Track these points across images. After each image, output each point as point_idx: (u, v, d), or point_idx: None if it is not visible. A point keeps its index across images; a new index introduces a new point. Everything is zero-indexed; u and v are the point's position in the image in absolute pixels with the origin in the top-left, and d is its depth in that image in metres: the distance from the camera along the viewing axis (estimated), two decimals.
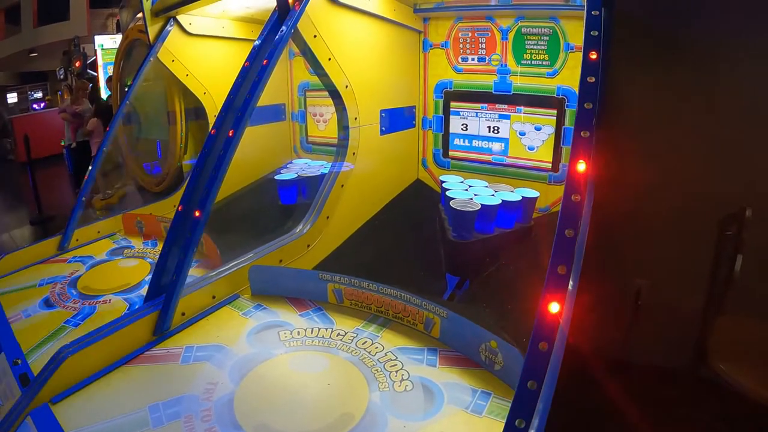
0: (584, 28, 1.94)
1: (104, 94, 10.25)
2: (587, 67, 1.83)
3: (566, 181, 1.64)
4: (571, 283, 1.50)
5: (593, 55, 1.85)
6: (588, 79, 1.79)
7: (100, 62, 12.23)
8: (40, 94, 19.13)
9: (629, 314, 2.77)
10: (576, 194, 1.59)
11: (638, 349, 2.72)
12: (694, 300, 2.51)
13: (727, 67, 2.49)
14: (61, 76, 15.04)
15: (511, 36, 3.35)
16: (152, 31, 4.05)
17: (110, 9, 17.12)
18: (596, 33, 1.92)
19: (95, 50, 12.58)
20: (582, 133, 1.69)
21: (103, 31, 16.40)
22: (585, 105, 1.74)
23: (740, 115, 2.49)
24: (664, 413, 2.59)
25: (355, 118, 3.13)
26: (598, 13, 1.98)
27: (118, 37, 9.73)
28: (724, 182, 2.55)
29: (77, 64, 13.16)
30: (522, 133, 3.42)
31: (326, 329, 2.26)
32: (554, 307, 1.43)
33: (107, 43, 12.36)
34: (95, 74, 12.24)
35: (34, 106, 18.06)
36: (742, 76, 2.48)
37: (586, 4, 2.02)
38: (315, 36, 2.80)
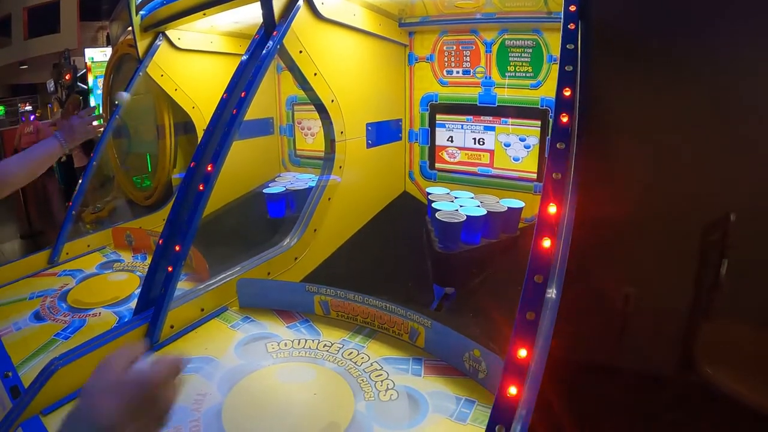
0: (560, 41, 1.98)
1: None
2: (563, 79, 1.88)
3: (543, 192, 1.68)
4: (554, 290, 1.53)
5: (569, 68, 1.89)
6: (564, 92, 1.84)
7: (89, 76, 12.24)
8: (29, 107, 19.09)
9: (615, 320, 2.81)
10: (552, 205, 1.63)
11: (625, 354, 2.75)
12: (681, 305, 2.54)
13: (714, 73, 2.53)
14: (51, 89, 15.04)
15: (495, 49, 3.40)
16: (141, 45, 4.09)
17: (100, 22, 17.14)
18: (572, 46, 1.96)
19: (85, 63, 12.59)
20: (558, 145, 1.74)
21: (94, 44, 16.42)
22: (561, 118, 1.79)
23: (727, 120, 2.54)
24: (651, 419, 2.62)
25: (342, 132, 3.17)
26: (574, 26, 2.02)
27: (109, 50, 9.74)
28: (710, 187, 2.59)
29: (67, 77, 13.15)
30: (507, 144, 3.46)
31: (313, 340, 2.29)
32: (532, 315, 1.47)
33: (98, 56, 12.37)
34: (85, 87, 12.24)
35: (24, 118, 18.03)
36: (728, 81, 2.52)
37: (562, 18, 2.06)
38: (301, 51, 2.84)
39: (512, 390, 1.37)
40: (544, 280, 1.51)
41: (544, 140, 3.28)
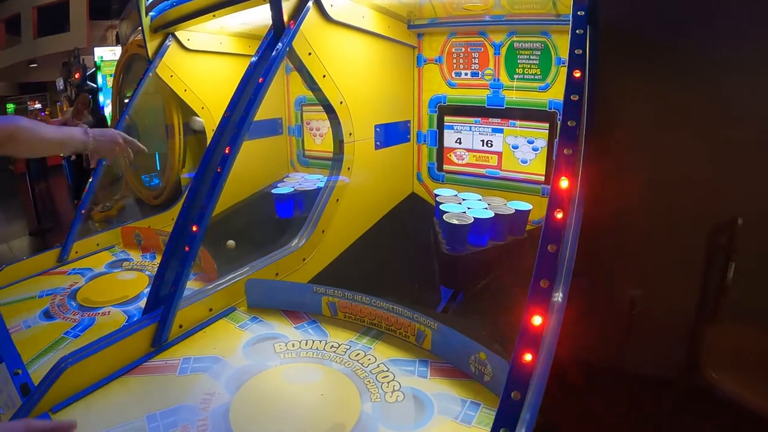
0: (569, 46, 1.99)
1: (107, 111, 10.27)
2: (571, 85, 1.88)
3: (549, 198, 1.69)
4: (560, 294, 1.54)
5: (577, 74, 1.90)
6: (571, 97, 1.84)
7: (99, 74, 12.26)
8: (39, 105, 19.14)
9: (621, 323, 2.81)
10: (559, 210, 1.64)
11: (630, 357, 2.76)
12: (687, 308, 2.54)
13: (720, 76, 2.53)
14: (61, 87, 15.08)
15: (503, 51, 3.40)
16: (151, 46, 4.11)
17: (110, 21, 17.18)
18: (580, 51, 1.97)
19: (95, 62, 12.62)
20: (565, 151, 1.74)
21: (103, 43, 16.46)
22: (568, 123, 1.79)
23: (734, 124, 2.54)
24: (656, 422, 2.63)
25: (350, 134, 3.18)
26: (582, 31, 2.03)
27: (118, 49, 9.77)
28: (716, 191, 2.59)
29: (77, 76, 13.18)
30: (515, 147, 3.46)
31: (320, 341, 2.30)
32: (537, 320, 1.47)
33: (107, 55, 12.39)
34: (95, 86, 12.26)
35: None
36: (735, 84, 2.52)
37: (570, 22, 2.07)
38: (310, 53, 2.85)
39: (516, 393, 1.38)
40: (550, 284, 1.52)
41: (552, 142, 3.28)
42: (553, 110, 3.25)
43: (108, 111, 10.11)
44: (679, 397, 2.52)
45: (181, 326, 2.35)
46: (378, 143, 3.45)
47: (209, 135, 4.24)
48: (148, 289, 2.71)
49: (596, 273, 2.24)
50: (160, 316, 2.27)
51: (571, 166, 1.73)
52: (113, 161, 4.38)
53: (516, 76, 3.39)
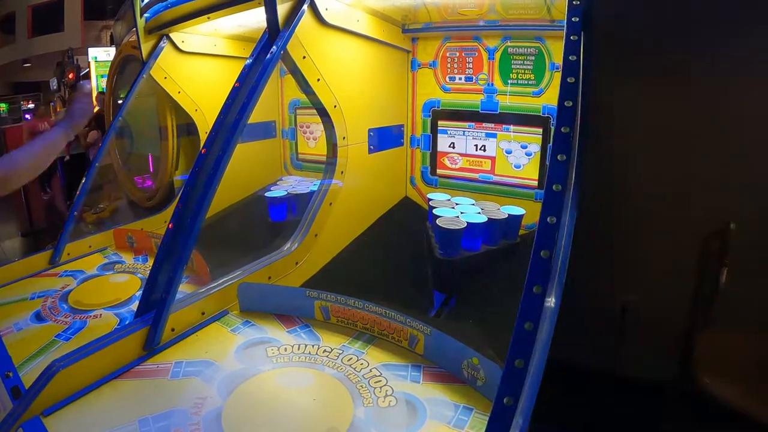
0: (563, 52, 1.99)
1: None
2: (565, 91, 1.89)
3: (542, 203, 1.69)
4: (552, 299, 1.54)
5: (571, 80, 1.90)
6: (565, 103, 1.85)
7: (93, 74, 12.24)
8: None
9: (615, 328, 2.81)
10: (552, 216, 1.64)
11: (623, 362, 2.76)
12: (680, 313, 2.55)
13: (715, 82, 2.54)
14: (54, 87, 15.06)
15: (497, 56, 3.40)
16: (145, 48, 4.10)
17: (104, 21, 17.15)
18: (574, 57, 1.97)
19: (89, 62, 12.59)
20: (559, 157, 1.75)
21: (97, 43, 16.43)
22: (562, 129, 1.80)
23: (728, 126, 2.54)
24: (649, 427, 2.63)
25: (344, 137, 3.18)
26: (577, 37, 2.04)
27: (112, 50, 9.75)
28: (710, 194, 2.59)
29: (71, 76, 13.16)
30: (508, 152, 3.47)
31: (313, 346, 2.30)
32: (530, 325, 1.47)
33: (101, 56, 12.38)
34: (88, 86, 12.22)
35: (27, 116, 18.01)
36: (728, 89, 2.53)
37: (565, 29, 2.07)
38: (304, 57, 2.84)
39: (509, 399, 1.38)
40: (542, 290, 1.52)
41: (545, 147, 3.28)
42: (546, 115, 3.25)
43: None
44: (673, 402, 2.53)
45: (173, 330, 2.34)
46: (371, 147, 3.45)
47: (202, 137, 4.24)
48: (140, 292, 2.70)
49: (589, 278, 2.25)
50: (152, 320, 2.26)
51: (565, 172, 1.74)
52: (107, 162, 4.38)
53: (510, 81, 3.39)
